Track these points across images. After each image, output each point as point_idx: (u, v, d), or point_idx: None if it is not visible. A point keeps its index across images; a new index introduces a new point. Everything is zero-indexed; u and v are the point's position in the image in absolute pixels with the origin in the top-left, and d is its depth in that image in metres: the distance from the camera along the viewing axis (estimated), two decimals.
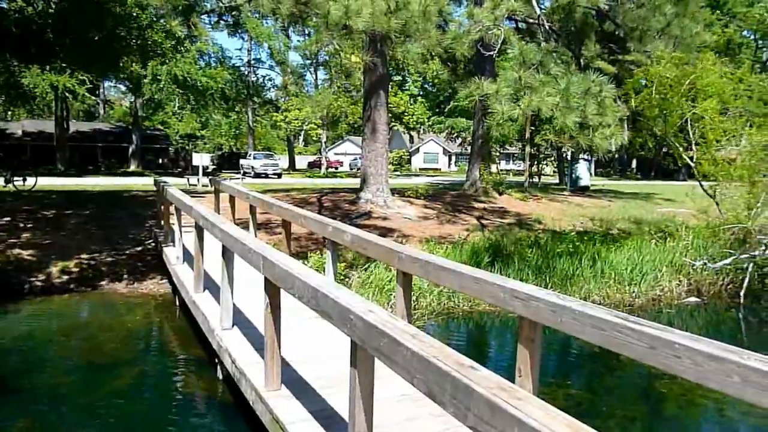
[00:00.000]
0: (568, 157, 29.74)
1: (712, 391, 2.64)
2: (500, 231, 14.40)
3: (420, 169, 63.51)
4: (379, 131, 15.99)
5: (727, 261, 11.46)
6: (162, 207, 11.27)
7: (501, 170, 46.97)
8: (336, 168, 58.95)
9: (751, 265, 11.17)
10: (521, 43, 10.25)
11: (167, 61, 29.03)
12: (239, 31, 36.39)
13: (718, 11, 48.54)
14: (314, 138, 61.17)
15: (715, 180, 13.06)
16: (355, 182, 23.14)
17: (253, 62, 49.89)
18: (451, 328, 9.79)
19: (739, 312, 11.19)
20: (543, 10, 15.17)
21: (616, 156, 51.15)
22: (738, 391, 2.38)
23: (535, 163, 33.29)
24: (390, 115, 48.22)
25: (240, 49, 59.07)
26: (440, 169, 64.45)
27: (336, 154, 67.48)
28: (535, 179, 31.35)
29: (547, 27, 12.06)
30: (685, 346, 2.56)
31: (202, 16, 22.57)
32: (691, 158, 13.85)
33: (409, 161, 65.35)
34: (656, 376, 7.11)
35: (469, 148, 29.78)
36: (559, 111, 8.84)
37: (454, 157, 67.17)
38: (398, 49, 11.47)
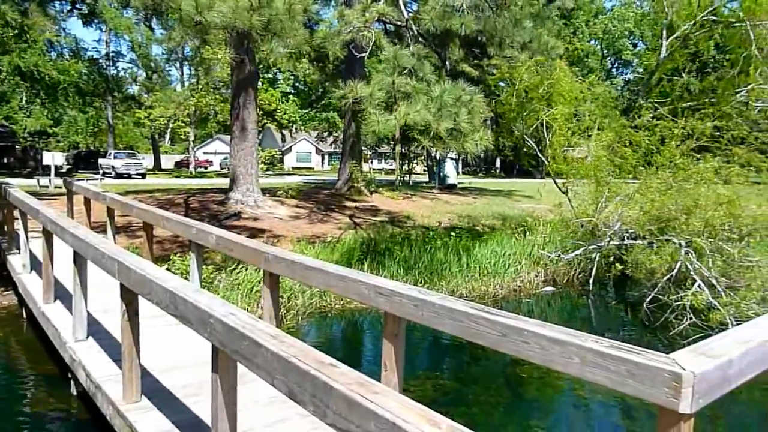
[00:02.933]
0: (437, 157, 30.82)
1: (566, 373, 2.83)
2: (372, 229, 14.62)
3: (293, 168, 62.92)
4: (249, 130, 15.66)
5: (578, 252, 12.43)
6: (5, 211, 10.28)
7: (373, 169, 47.75)
8: (205, 168, 56.91)
9: (598, 255, 12.20)
10: (395, 47, 10.45)
11: (9, 51, 26.48)
12: (96, 21, 33.96)
13: (568, 20, 52.49)
14: (182, 136, 58.56)
15: (567, 178, 14.10)
16: (225, 182, 22.50)
17: (112, 55, 46.85)
18: (325, 327, 9.80)
19: (589, 298, 12.19)
20: (410, 13, 15.59)
21: (482, 155, 53.79)
22: (578, 371, 2.57)
23: (406, 162, 34.24)
24: (261, 112, 47.35)
25: (98, 41, 55.02)
26: (313, 168, 64.26)
27: (205, 153, 65.07)
28: (406, 178, 32.23)
29: (415, 31, 12.39)
30: (533, 332, 2.72)
31: (54, 3, 20.82)
32: (546, 157, 14.86)
33: (281, 160, 64.54)
34: (517, 363, 7.55)
35: (341, 146, 29.97)
36: (433, 119, 9.13)
37: (327, 156, 67.23)
38: (263, 47, 11.26)
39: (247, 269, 9.73)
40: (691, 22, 15.97)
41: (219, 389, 2.99)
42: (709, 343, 2.58)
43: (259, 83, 41.57)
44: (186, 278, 7.14)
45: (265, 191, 17.24)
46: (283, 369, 2.32)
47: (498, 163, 60.12)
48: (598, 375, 2.48)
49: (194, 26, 8.84)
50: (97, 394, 4.61)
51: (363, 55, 10.38)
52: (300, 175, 47.20)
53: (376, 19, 10.16)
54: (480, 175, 52.79)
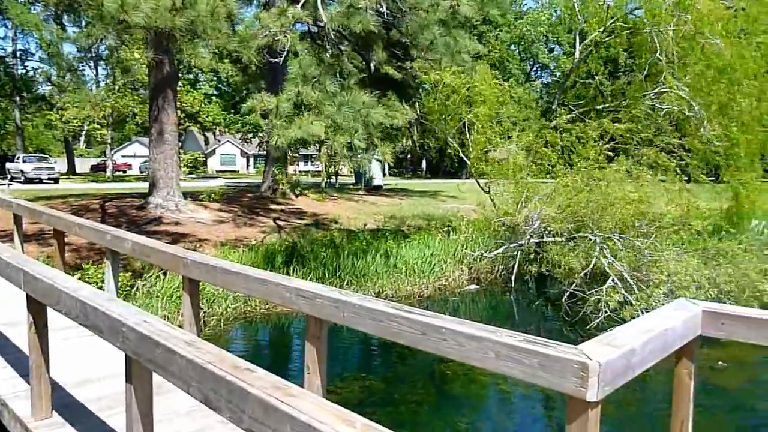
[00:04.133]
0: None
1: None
2: (297, 232, 14.51)
3: (217, 171, 61.50)
4: (168, 132, 15.19)
5: (500, 250, 12.79)
6: None
7: (299, 171, 47.39)
8: (124, 171, 54.73)
9: (519, 252, 12.59)
10: (301, 56, 10.45)
11: None
12: (0, 17, 32.01)
13: (489, 25, 53.88)
14: (98, 139, 56.04)
15: (489, 178, 14.47)
16: (145, 186, 21.74)
17: (20, 53, 44.30)
18: (250, 332, 9.64)
19: (511, 294, 12.56)
20: (331, 15, 15.59)
21: (408, 156, 54.40)
22: (494, 366, 2.64)
23: (333, 164, 34.13)
24: (183, 114, 45.97)
25: (4, 38, 51.96)
26: (238, 172, 63.05)
27: (124, 156, 62.54)
28: (333, 180, 32.14)
29: (332, 35, 12.40)
30: (450, 330, 2.77)
31: None
32: (468, 158, 15.19)
33: (204, 163, 62.96)
34: (443, 361, 7.68)
35: (266, 149, 29.54)
36: (330, 135, 9.20)
37: (252, 159, 66.12)
38: (186, 48, 11.00)
39: (167, 275, 9.44)
40: (601, 29, 16.73)
41: (134, 401, 2.88)
42: (614, 333, 2.71)
43: (180, 85, 40.40)
44: (101, 287, 6.86)
45: (187, 195, 16.79)
46: (198, 376, 2.27)
47: (424, 164, 60.99)
48: (513, 368, 2.56)
49: (115, 25, 8.54)
50: (3, 412, 4.35)
51: (279, 60, 10.28)
52: (224, 178, 46.19)
53: (292, 23, 10.09)
54: (407, 176, 53.37)
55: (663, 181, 12.00)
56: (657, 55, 15.02)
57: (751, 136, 15.16)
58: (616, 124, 12.59)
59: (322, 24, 13.87)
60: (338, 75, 12.74)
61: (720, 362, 8.07)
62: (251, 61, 10.36)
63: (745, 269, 9.79)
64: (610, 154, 12.31)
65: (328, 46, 14.82)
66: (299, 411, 1.83)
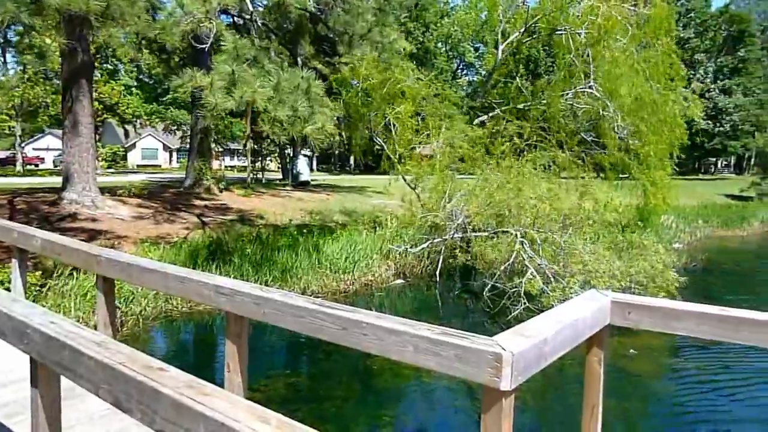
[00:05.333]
0: (291, 154, 30.60)
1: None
2: (222, 228, 14.20)
3: (138, 165, 59.23)
4: (83, 124, 14.49)
5: (425, 245, 12.98)
6: None
7: (225, 166, 46.40)
8: (36, 165, 51.87)
9: (444, 247, 12.82)
10: (235, 37, 10.19)
11: None
12: None
13: (416, 22, 54.38)
14: (6, 131, 52.82)
15: (414, 174, 14.62)
16: (58, 181, 20.69)
17: None
18: (171, 331, 9.37)
19: (437, 288, 12.77)
20: (258, 7, 15.33)
21: (336, 152, 54.25)
22: (412, 359, 2.68)
23: (259, 159, 33.64)
24: (100, 106, 44.00)
25: None
26: (161, 166, 60.97)
27: (36, 149, 59.21)
28: (259, 175, 31.67)
29: (259, 24, 12.19)
30: (371, 324, 2.79)
31: None
32: (394, 154, 15.29)
33: (124, 157, 60.55)
34: (368, 355, 7.71)
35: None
36: (271, 104, 9.03)
37: (175, 153, 64.10)
38: (102, 33, 10.51)
39: (82, 274, 9.03)
40: (521, 30, 17.24)
41: (40, 406, 2.75)
42: (527, 324, 2.81)
43: (98, 75, 38.62)
44: (8, 288, 6.49)
45: (105, 190, 16.09)
46: (108, 377, 2.19)
47: (352, 160, 61.02)
48: (430, 361, 2.61)
49: (28, 5, 8.07)
50: None
51: (204, 46, 10.00)
52: (146, 173, 44.56)
53: (218, 10, 9.85)
54: (335, 172, 53.21)
55: (578, 177, 12.51)
56: (571, 56, 15.63)
57: (658, 137, 16.05)
58: (527, 122, 13.04)
59: (248, 15, 13.62)
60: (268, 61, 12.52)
61: (631, 350, 8.51)
62: (175, 48, 10.02)
63: (653, 261, 10.38)
64: (533, 152, 12.72)
65: (255, 38, 14.54)
66: (213, 410, 1.80)
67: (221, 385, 3.74)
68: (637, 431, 6.20)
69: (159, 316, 9.40)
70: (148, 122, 57.52)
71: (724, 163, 73.03)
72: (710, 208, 29.09)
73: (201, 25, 9.84)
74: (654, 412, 6.88)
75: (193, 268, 8.45)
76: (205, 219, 15.53)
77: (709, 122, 52.20)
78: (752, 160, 58.08)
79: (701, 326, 3.12)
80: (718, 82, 53.68)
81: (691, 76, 48.05)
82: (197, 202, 17.85)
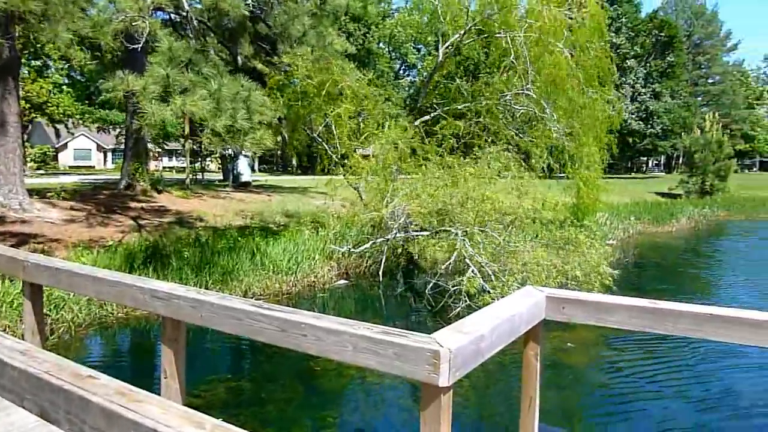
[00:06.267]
0: (231, 154, 30.08)
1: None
2: (159, 231, 13.83)
3: (70, 167, 56.94)
4: (10, 123, 13.82)
5: (367, 245, 13.00)
6: None
7: (164, 167, 45.22)
8: None
9: (387, 247, 12.87)
10: (170, 38, 9.94)
11: None
12: None
13: (358, 23, 54.37)
14: None
15: (356, 174, 14.61)
16: None
17: None
18: (106, 338, 9.06)
19: (380, 288, 12.81)
20: (195, 5, 15.00)
21: (278, 152, 53.63)
22: (352, 358, 2.68)
23: (199, 159, 32.92)
24: (28, 105, 42.09)
25: None
26: (94, 167, 58.84)
27: None
28: (199, 176, 31.02)
29: (195, 24, 11.93)
30: (309, 325, 2.78)
31: None
32: (336, 154, 15.24)
33: (55, 158, 58.13)
34: (311, 358, 7.65)
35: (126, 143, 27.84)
36: (210, 115, 8.85)
37: (110, 154, 62.01)
38: (48, 33, 10.07)
39: (6, 281, 8.60)
40: (462, 32, 17.49)
41: None
42: (465, 321, 2.86)
43: (26, 72, 37.01)
44: None
45: (33, 192, 15.42)
46: (33, 387, 2.10)
47: (295, 160, 60.38)
48: (370, 360, 2.62)
49: None
50: None
51: (137, 46, 9.72)
52: (79, 174, 42.93)
53: (152, 8, 9.59)
54: (277, 172, 52.61)
55: (517, 177, 12.79)
56: (510, 58, 15.98)
57: (588, 139, 16.61)
58: (468, 122, 13.28)
59: (184, 12, 13.31)
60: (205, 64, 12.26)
61: (569, 343, 8.77)
62: (108, 47, 9.69)
63: (589, 256, 10.73)
64: (474, 153, 12.93)
65: (191, 36, 14.22)
66: (144, 416, 1.75)
67: (159, 391, 3.65)
68: (573, 421, 6.39)
69: (93, 323, 9.06)
70: (81, 122, 55.40)
71: (655, 162, 76.36)
72: (642, 205, 30.26)
73: (134, 23, 9.57)
74: (590, 403, 7.12)
75: (129, 273, 8.20)
76: (141, 222, 15.07)
77: (641, 123, 54.47)
78: (680, 159, 60.79)
79: (631, 318, 3.25)
80: (649, 86, 55.96)
81: (623, 80, 50.05)
82: (133, 205, 17.32)
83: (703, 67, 74.39)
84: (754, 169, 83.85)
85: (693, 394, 7.21)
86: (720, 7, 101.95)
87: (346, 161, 14.79)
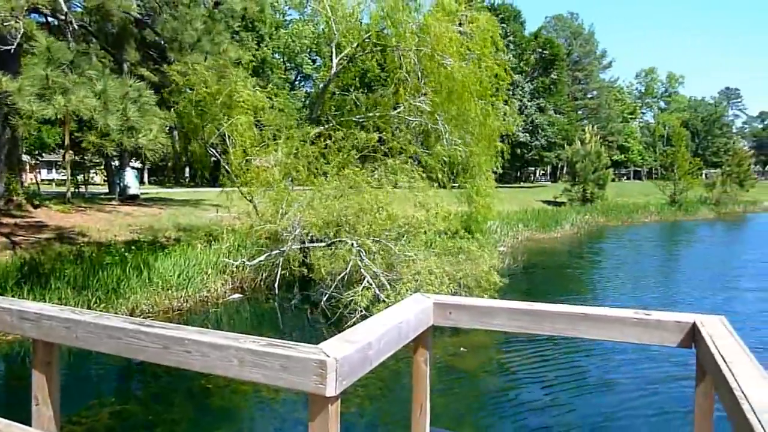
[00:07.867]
0: (117, 166, 28.63)
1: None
2: (37, 248, 12.89)
3: None
4: None
5: (262, 258, 12.77)
6: None
7: (42, 180, 42.24)
8: None
9: (282, 259, 12.69)
10: (49, 39, 9.32)
11: None
12: None
13: (252, 33, 53.56)
14: None
15: (251, 186, 14.31)
16: None
17: None
18: None
19: (275, 301, 12.62)
20: (75, 8, 14.20)
21: (169, 164, 51.58)
22: (238, 373, 2.61)
23: (82, 171, 31.04)
24: None
25: None
26: None
27: None
28: (82, 189, 29.27)
29: (76, 26, 11.29)
30: (193, 340, 2.69)
31: None
32: (230, 166, 14.86)
33: None
34: (202, 375, 7.40)
35: None
36: (98, 113, 8.40)
37: None
38: None
39: None
40: (355, 44, 17.70)
41: None
42: (353, 329, 2.87)
43: None
44: None
45: None
46: None
47: (187, 172, 58.36)
48: (256, 374, 2.56)
49: None
50: None
51: (10, 48, 9.06)
52: None
53: (25, 8, 8.97)
54: (168, 184, 50.56)
55: (411, 188, 13.06)
56: (403, 71, 16.33)
57: (480, 150, 17.28)
58: (364, 134, 13.43)
59: (62, 15, 12.53)
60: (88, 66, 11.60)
61: (462, 348, 9.04)
62: None
63: (479, 264, 11.14)
64: (371, 165, 13.05)
65: (71, 40, 13.42)
66: None
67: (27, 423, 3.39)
68: (463, 423, 6.59)
69: None
70: None
71: (542, 172, 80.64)
72: (530, 213, 31.86)
73: (6, 24, 8.92)
74: (479, 405, 7.37)
75: (1, 296, 7.57)
76: (15, 238, 13.98)
77: (527, 135, 57.42)
78: (564, 169, 64.53)
79: (512, 321, 3.40)
80: (534, 100, 59.13)
81: (510, 94, 52.52)
82: (6, 220, 16.02)
83: (581, 82, 79.67)
84: (628, 178, 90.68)
85: (574, 387, 7.67)
86: (595, 27, 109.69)
87: (241, 173, 14.46)
